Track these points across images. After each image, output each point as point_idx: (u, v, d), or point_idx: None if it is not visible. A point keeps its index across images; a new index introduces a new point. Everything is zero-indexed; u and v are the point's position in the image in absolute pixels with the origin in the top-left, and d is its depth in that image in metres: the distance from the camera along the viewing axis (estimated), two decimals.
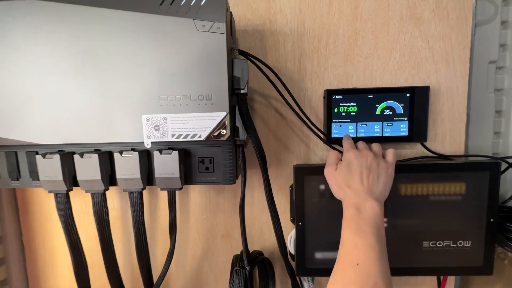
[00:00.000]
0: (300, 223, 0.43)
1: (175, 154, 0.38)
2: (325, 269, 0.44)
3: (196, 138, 0.37)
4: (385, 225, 0.43)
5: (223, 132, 0.37)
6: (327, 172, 0.40)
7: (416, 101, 0.47)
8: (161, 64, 0.36)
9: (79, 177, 0.39)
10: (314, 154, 0.51)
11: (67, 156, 0.39)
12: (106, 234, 0.43)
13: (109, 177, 0.41)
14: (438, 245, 0.43)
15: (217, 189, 0.53)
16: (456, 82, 0.49)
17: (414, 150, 0.50)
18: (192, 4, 0.35)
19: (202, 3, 0.35)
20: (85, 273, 0.46)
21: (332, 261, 0.43)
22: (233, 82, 0.39)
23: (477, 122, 0.55)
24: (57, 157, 0.38)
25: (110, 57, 0.36)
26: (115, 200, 0.54)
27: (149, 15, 0.35)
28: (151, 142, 0.38)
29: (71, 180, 0.40)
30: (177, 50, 0.35)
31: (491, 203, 0.42)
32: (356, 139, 0.49)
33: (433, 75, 0.49)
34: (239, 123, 0.41)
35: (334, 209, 0.43)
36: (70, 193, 0.41)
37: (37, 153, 0.40)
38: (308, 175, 0.43)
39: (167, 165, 0.39)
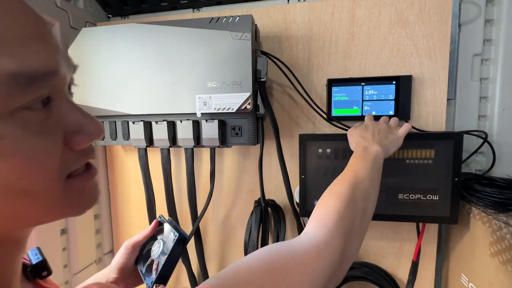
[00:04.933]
0: (303, 176, 0.58)
1: (216, 122, 0.57)
2: None
3: (230, 111, 0.55)
4: None
5: (248, 106, 0.54)
6: (349, 131, 0.52)
7: (401, 87, 0.60)
8: (208, 61, 0.54)
9: (155, 137, 0.60)
10: (318, 130, 0.66)
11: (147, 123, 0.60)
12: (169, 179, 0.63)
13: (172, 138, 0.60)
14: (411, 198, 0.55)
15: (244, 155, 0.70)
16: (438, 72, 0.60)
17: None
18: (229, 21, 0.54)
19: (236, 20, 0.53)
20: (153, 206, 0.66)
21: None
22: (256, 73, 0.57)
23: (463, 106, 0.65)
24: (141, 123, 0.59)
25: (177, 57, 0.56)
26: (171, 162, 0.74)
27: (201, 29, 0.54)
28: (201, 113, 0.56)
29: (148, 139, 0.61)
30: (219, 52, 0.54)
31: (455, 166, 0.52)
32: (354, 118, 0.62)
33: (417, 67, 0.60)
34: (259, 102, 0.58)
35: (330, 167, 0.58)
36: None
37: (128, 122, 0.61)
38: (309, 141, 0.58)
39: (210, 130, 0.57)
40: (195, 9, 0.73)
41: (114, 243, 0.81)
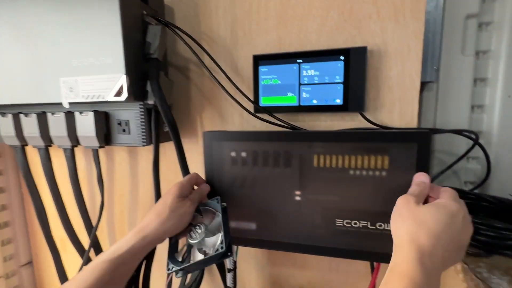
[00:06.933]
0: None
1: (91, 115, 0.42)
2: (236, 238, 0.44)
3: (100, 99, 0.40)
4: (298, 198, 0.40)
5: (122, 93, 0.39)
6: (403, 201, 0.30)
7: (351, 65, 0.42)
8: (72, 31, 0.40)
9: (25, 133, 0.47)
10: (247, 123, 0.50)
11: (16, 115, 0.47)
12: (53, 184, 0.50)
13: (48, 135, 0.47)
14: (353, 225, 0.38)
15: (161, 156, 0.55)
16: (408, 42, 0.41)
17: (355, 122, 0.45)
18: None
19: None
20: (44, 214, 0.54)
21: (244, 231, 0.43)
22: (144, 47, 0.41)
23: (448, 92, 0.46)
24: (10, 116, 0.46)
25: (36, 27, 0.41)
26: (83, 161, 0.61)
27: None
28: (69, 103, 0.42)
29: (21, 136, 0.48)
30: (83, 19, 0.39)
31: None
32: (289, 108, 0.45)
33: (378, 35, 0.42)
34: (150, 87, 0.42)
35: (247, 177, 0.42)
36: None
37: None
38: (217, 141, 0.42)
39: (86, 125, 0.43)
40: None
41: (33, 253, 0.71)
